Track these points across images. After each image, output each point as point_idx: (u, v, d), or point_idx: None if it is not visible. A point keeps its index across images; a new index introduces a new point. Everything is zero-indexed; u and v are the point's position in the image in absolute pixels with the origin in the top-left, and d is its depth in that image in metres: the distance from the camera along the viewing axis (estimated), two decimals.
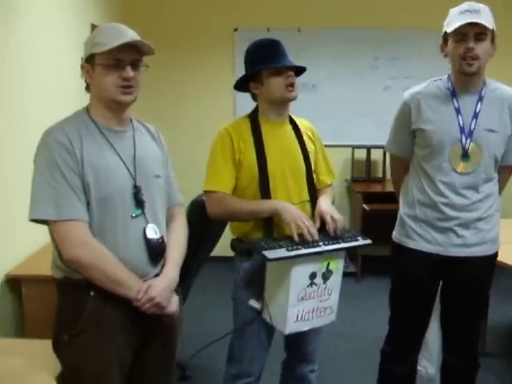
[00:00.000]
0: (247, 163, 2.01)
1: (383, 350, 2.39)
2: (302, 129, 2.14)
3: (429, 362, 2.52)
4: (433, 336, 2.42)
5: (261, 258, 1.82)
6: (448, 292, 2.26)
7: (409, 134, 2.20)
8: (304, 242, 1.85)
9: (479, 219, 2.12)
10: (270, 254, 1.77)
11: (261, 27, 4.80)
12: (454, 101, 2.11)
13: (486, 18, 1.99)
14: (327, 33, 4.86)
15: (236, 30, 4.86)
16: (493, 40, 2.06)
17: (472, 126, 2.08)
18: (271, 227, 1.98)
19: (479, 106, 2.09)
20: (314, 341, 2.18)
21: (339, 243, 1.91)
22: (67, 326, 1.60)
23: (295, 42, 4.78)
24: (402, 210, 2.26)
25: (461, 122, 2.08)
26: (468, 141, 2.07)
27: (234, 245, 2.11)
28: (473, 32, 1.99)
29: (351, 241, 1.95)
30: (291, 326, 1.89)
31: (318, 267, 1.88)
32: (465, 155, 2.08)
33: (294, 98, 2.03)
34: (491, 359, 3.21)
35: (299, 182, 2.07)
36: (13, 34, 2.60)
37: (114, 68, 1.59)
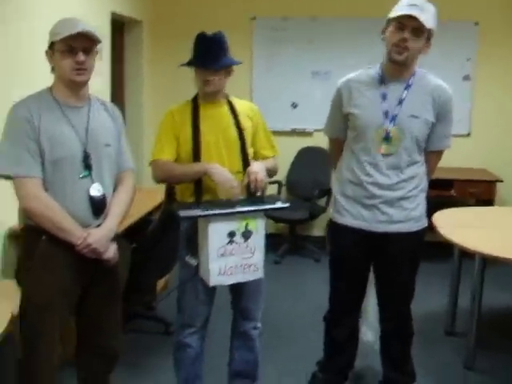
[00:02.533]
0: (183, 138, 2.29)
1: (325, 317, 2.61)
2: (240, 108, 2.38)
3: (369, 330, 2.70)
4: (371, 306, 2.62)
5: (176, 217, 2.08)
6: (378, 266, 2.45)
7: (341, 117, 2.38)
8: (224, 203, 2.08)
9: (403, 198, 2.28)
10: (183, 213, 2.03)
11: (278, 16, 5.00)
12: (382, 87, 2.27)
13: (427, 17, 2.10)
14: (341, 22, 4.97)
15: (254, 18, 5.06)
16: (429, 39, 2.18)
17: (396, 112, 2.23)
18: (201, 192, 2.24)
19: (405, 93, 2.24)
20: (254, 299, 2.41)
21: (255, 205, 2.13)
22: (24, 261, 1.99)
23: (310, 30, 4.97)
24: (335, 188, 2.46)
25: (385, 107, 2.25)
26: (391, 125, 2.23)
27: (175, 208, 2.36)
28: (411, 25, 2.11)
29: (268, 204, 2.16)
30: (215, 279, 2.14)
31: (237, 226, 2.11)
32: (387, 138, 2.24)
33: (207, 92, 2.28)
34: (458, 338, 3.42)
35: (233, 153, 2.31)
36: (26, 21, 2.93)
37: (68, 53, 1.93)
